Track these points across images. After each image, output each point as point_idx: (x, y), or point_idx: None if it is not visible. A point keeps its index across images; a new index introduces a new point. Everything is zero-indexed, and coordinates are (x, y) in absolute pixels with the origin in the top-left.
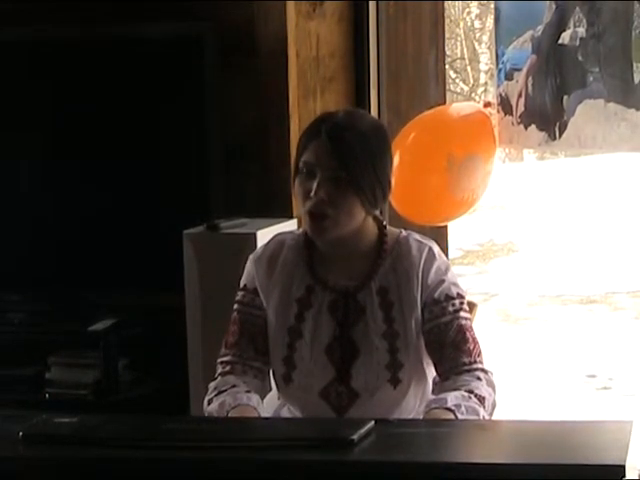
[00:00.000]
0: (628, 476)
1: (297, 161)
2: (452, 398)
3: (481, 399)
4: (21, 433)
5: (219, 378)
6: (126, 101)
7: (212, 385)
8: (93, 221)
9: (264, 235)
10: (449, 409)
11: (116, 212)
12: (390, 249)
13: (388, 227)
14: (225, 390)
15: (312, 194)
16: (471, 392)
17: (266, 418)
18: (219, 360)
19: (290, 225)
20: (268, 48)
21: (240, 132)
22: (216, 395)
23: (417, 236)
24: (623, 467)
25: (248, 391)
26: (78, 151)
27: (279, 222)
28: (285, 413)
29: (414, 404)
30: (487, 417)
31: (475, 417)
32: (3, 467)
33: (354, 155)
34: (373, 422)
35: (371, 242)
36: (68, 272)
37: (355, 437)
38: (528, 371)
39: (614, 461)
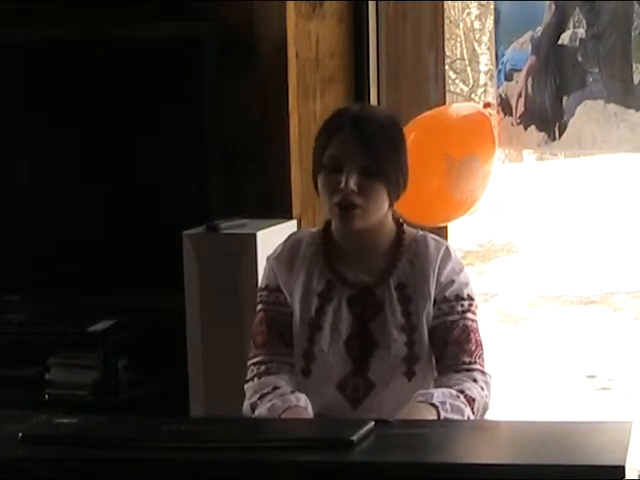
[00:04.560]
0: (628, 477)
1: (318, 158)
2: (439, 394)
3: (470, 400)
4: (21, 433)
5: (256, 380)
6: (126, 101)
7: (250, 388)
8: (93, 221)
9: (264, 235)
10: (433, 404)
11: (116, 212)
12: (408, 246)
13: (405, 226)
14: (268, 392)
15: (342, 186)
16: (462, 392)
17: (266, 419)
18: (251, 362)
19: (290, 226)
20: (268, 48)
21: (240, 132)
22: (260, 398)
23: (434, 236)
24: (623, 468)
25: (293, 391)
26: (78, 151)
27: (279, 223)
28: None
29: None
30: (472, 418)
31: (459, 416)
32: (3, 467)
33: (379, 144)
34: (373, 423)
35: (389, 239)
36: (67, 273)
37: (355, 438)
38: (528, 372)
39: (614, 462)
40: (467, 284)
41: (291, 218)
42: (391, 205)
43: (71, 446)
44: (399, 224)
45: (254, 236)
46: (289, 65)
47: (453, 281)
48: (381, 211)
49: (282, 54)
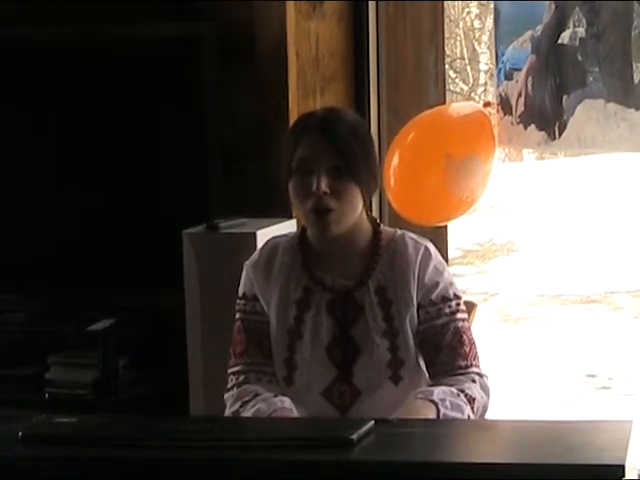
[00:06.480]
0: (627, 476)
1: (287, 164)
2: (439, 392)
3: (470, 399)
4: (21, 433)
5: (235, 389)
6: (126, 101)
7: (230, 397)
8: (93, 221)
9: (264, 235)
10: (433, 401)
11: (116, 212)
12: (386, 246)
13: (382, 226)
14: (250, 399)
15: (314, 189)
16: (462, 391)
17: (266, 418)
18: (230, 371)
19: (290, 225)
20: (268, 48)
21: (240, 132)
22: (242, 406)
23: (412, 235)
24: (622, 467)
25: (276, 395)
26: (78, 151)
27: (279, 222)
28: None
29: None
30: (472, 417)
31: (459, 414)
32: (3, 467)
33: (348, 144)
34: (373, 422)
35: (366, 241)
36: (68, 272)
37: (355, 437)
38: (528, 371)
39: (614, 461)
40: (452, 283)
41: (291, 217)
42: (365, 206)
43: (71, 446)
44: (375, 224)
45: (254, 235)
46: (289, 64)
47: (437, 283)
48: (356, 212)
49: (282, 53)
